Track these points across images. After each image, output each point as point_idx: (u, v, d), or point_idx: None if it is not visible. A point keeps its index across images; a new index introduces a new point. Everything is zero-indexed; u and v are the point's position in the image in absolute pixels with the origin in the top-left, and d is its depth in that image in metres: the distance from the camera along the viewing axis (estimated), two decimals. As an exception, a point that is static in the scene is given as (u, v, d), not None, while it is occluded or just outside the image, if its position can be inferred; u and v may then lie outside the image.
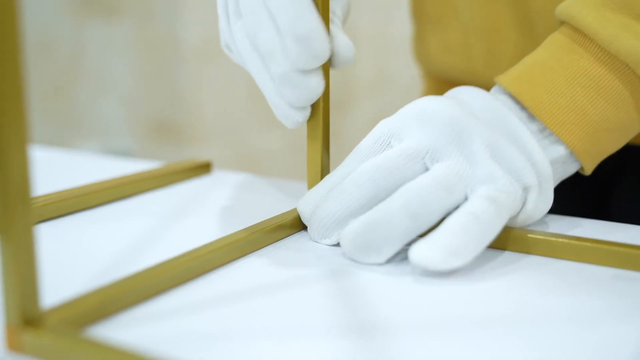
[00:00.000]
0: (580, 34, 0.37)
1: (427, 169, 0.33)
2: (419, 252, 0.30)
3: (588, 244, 0.33)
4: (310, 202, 0.36)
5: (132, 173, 0.47)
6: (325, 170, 0.40)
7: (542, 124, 0.37)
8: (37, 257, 0.25)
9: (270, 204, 0.44)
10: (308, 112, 0.37)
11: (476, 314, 0.28)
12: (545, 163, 0.35)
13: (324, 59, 0.34)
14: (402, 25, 1.99)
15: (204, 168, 0.51)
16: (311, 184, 0.39)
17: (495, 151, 0.33)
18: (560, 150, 0.37)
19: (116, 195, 0.45)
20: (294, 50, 0.34)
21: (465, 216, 0.31)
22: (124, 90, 1.79)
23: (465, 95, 0.37)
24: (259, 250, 0.35)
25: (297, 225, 0.38)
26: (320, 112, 0.38)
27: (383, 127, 0.36)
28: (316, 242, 0.36)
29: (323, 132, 0.38)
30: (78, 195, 0.42)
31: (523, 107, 0.37)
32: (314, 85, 0.35)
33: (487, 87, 0.40)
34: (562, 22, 0.39)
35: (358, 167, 0.35)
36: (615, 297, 0.30)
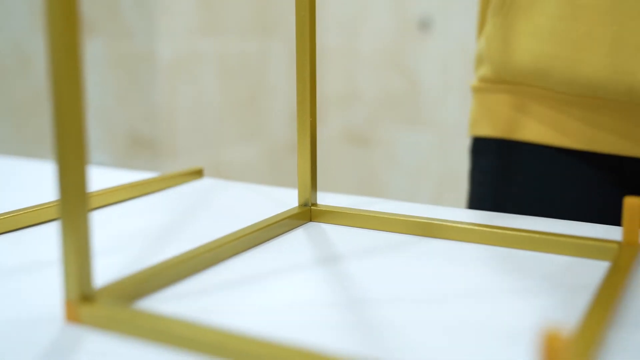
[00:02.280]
0: None
1: None
2: None
3: (490, 229, 0.39)
4: None
5: (128, 182, 0.52)
6: (313, 179, 0.45)
7: None
8: (91, 243, 0.29)
9: (261, 206, 0.49)
10: None
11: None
12: None
13: None
14: (369, 40, 2.05)
15: (196, 174, 0.56)
16: (301, 192, 0.45)
17: None
18: None
19: (125, 196, 0.50)
20: None
21: None
22: (99, 106, 1.82)
23: None
24: (267, 242, 0.40)
25: (296, 223, 0.43)
26: (308, 124, 0.44)
27: None
28: None
29: (311, 141, 0.44)
30: (96, 195, 0.47)
31: None
32: None
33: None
34: None
35: None
36: (507, 273, 0.35)
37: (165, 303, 0.31)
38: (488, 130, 0.63)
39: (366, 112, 2.11)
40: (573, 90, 0.54)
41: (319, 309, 0.31)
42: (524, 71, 0.56)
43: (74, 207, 0.28)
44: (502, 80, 0.60)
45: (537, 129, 0.59)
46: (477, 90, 0.63)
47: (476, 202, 0.66)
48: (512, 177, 0.62)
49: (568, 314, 0.30)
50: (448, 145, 1.95)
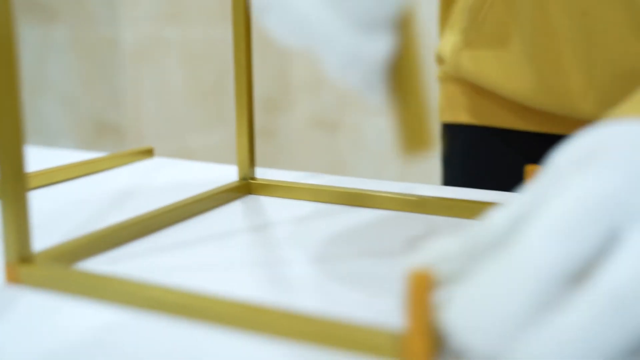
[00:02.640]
0: None
1: None
2: None
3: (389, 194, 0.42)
4: (494, 329, 0.21)
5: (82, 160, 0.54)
6: (251, 154, 0.48)
7: None
8: (28, 211, 0.32)
9: (206, 181, 0.51)
10: (389, 40, 0.22)
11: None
12: None
13: None
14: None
15: (146, 153, 0.59)
16: (240, 166, 0.47)
17: None
18: None
19: (73, 174, 0.52)
20: None
21: None
22: (63, 92, 1.82)
23: None
24: (206, 213, 0.43)
25: (234, 196, 0.46)
26: (245, 101, 0.46)
27: (597, 192, 0.21)
28: None
29: (248, 118, 0.47)
30: (45, 173, 0.49)
31: None
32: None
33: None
34: None
35: (558, 264, 0.21)
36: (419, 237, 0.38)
37: (102, 265, 0.34)
38: (455, 117, 0.67)
39: (334, 98, 2.14)
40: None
41: (245, 268, 0.34)
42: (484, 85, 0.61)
43: (11, 172, 0.31)
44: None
45: (502, 114, 0.62)
46: (441, 80, 0.67)
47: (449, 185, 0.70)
48: (481, 161, 0.66)
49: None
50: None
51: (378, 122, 2.05)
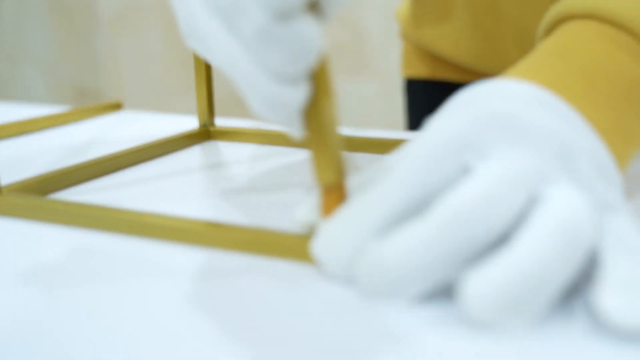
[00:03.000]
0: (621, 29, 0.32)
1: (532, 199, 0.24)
2: (635, 315, 0.21)
3: None
4: (349, 245, 0.24)
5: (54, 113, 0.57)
6: (210, 102, 0.51)
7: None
8: (-5, 146, 0.35)
9: (170, 130, 0.55)
10: (304, 88, 0.25)
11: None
12: (618, 172, 0.28)
13: None
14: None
15: (114, 107, 0.62)
16: (200, 114, 0.51)
17: (602, 168, 0.26)
18: None
19: (41, 126, 0.55)
20: None
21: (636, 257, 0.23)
22: (42, 58, 1.83)
23: (527, 93, 0.28)
24: (166, 155, 0.46)
25: (194, 141, 0.49)
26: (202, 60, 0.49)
27: (448, 132, 0.25)
28: (376, 298, 0.24)
29: (206, 67, 0.50)
30: (13, 125, 0.52)
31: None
32: (307, 30, 0.24)
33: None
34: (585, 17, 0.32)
35: (410, 189, 0.24)
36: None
37: (66, 197, 0.37)
38: (413, 72, 0.71)
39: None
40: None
41: (196, 197, 0.37)
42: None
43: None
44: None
45: (454, 71, 0.65)
46: (401, 36, 0.71)
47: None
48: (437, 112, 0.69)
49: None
50: (393, 93, 2.02)
51: (357, 86, 2.08)
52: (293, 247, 0.28)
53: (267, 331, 0.22)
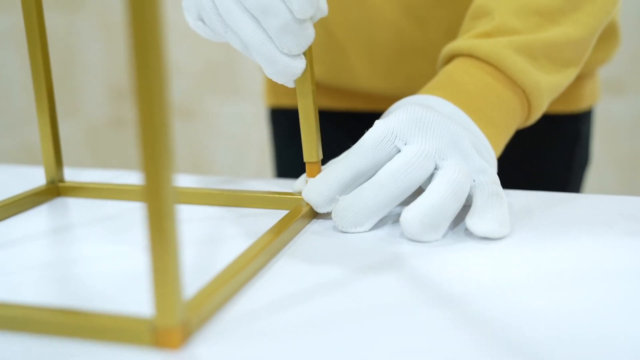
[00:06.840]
0: (491, 66, 0.48)
1: (436, 167, 0.41)
2: (482, 226, 0.38)
3: None
4: (324, 193, 0.41)
5: None
6: (57, 156, 0.48)
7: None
8: None
9: (15, 186, 0.51)
10: (304, 60, 0.42)
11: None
12: (492, 152, 0.45)
13: (317, 7, 0.40)
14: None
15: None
16: (47, 169, 0.48)
17: (478, 147, 0.43)
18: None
19: None
20: (296, 1, 0.39)
21: (497, 196, 0.40)
22: None
23: (434, 103, 0.45)
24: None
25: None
26: (45, 99, 0.47)
27: (385, 127, 0.41)
28: (345, 231, 0.40)
29: (50, 116, 0.47)
30: None
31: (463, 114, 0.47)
32: (310, 32, 0.41)
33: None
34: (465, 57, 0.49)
35: (362, 161, 0.41)
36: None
37: None
38: (276, 101, 0.71)
39: (187, 85, 2.12)
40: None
41: (33, 270, 0.35)
42: None
43: None
44: None
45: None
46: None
47: (275, 166, 0.74)
48: (297, 143, 0.70)
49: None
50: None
51: (233, 107, 2.06)
52: (128, 330, 0.26)
53: None
